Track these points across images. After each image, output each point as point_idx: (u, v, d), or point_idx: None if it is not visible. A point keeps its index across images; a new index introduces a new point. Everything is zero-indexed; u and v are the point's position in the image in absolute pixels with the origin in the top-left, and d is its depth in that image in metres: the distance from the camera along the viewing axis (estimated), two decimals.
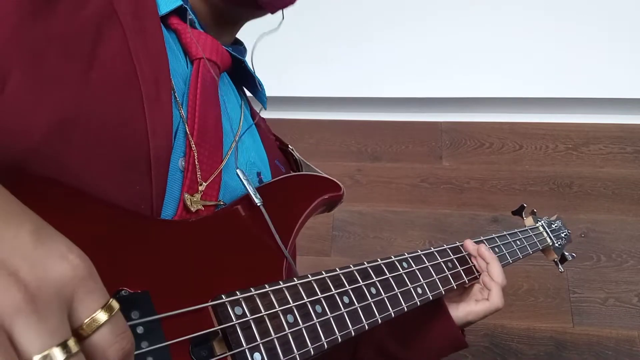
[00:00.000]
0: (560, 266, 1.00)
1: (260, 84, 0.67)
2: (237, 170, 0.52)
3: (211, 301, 0.40)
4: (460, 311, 0.69)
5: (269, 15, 0.65)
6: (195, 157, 0.48)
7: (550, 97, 1.78)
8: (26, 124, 0.37)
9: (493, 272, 0.70)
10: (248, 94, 0.70)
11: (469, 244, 0.73)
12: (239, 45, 0.67)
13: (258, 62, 0.67)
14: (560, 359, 1.46)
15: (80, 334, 0.27)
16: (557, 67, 1.79)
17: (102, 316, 0.28)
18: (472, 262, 0.72)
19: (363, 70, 1.92)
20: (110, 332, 0.28)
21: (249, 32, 0.69)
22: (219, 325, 0.39)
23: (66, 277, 0.27)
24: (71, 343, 0.26)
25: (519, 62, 1.82)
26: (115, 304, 0.29)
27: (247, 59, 0.66)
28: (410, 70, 1.89)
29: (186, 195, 0.46)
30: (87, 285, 0.28)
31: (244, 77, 0.66)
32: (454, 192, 1.77)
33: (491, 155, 1.81)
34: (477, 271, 0.72)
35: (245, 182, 0.51)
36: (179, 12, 0.55)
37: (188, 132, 0.48)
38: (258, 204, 0.51)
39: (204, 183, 0.48)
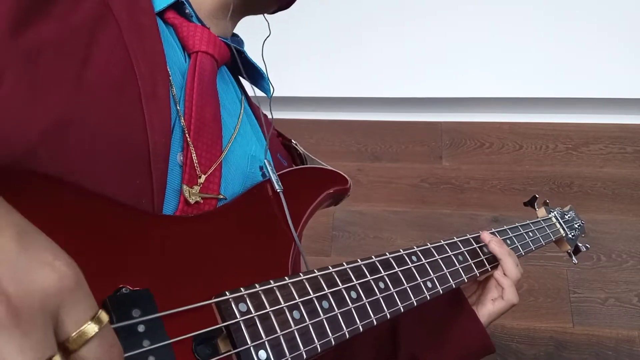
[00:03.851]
0: (573, 257, 0.97)
1: (264, 73, 0.66)
2: (265, 161, 0.54)
3: (214, 298, 0.39)
4: (481, 315, 0.69)
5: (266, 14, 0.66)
6: (193, 152, 0.48)
7: (550, 97, 1.78)
8: (22, 126, 0.36)
9: (505, 268, 0.69)
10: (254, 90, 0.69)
11: (486, 235, 0.71)
12: (236, 37, 0.67)
13: (258, 62, 0.67)
14: (560, 359, 1.46)
15: (67, 348, 0.26)
16: (557, 67, 1.79)
17: (90, 329, 0.27)
18: (483, 255, 0.70)
19: (363, 70, 1.92)
20: (99, 346, 0.27)
21: (247, 27, 0.69)
22: (223, 322, 0.39)
23: (52, 287, 0.25)
24: (57, 359, 0.25)
25: (519, 62, 1.82)
26: (104, 316, 0.28)
27: (255, 51, 0.66)
28: (410, 70, 1.89)
29: (184, 187, 0.46)
30: (74, 296, 0.26)
31: (245, 69, 0.66)
32: (454, 192, 1.77)
33: (491, 155, 1.81)
34: (489, 263, 0.70)
35: (270, 171, 0.53)
36: (176, 6, 0.55)
37: (185, 127, 0.48)
38: (278, 190, 0.52)
39: (203, 175, 0.48)
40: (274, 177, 0.53)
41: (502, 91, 1.82)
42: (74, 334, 0.26)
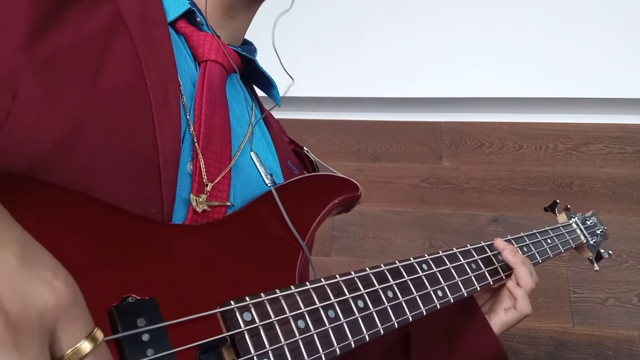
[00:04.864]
0: (595, 264, 0.96)
1: (273, 82, 0.67)
2: (251, 153, 0.55)
3: (219, 307, 0.40)
4: (493, 324, 0.68)
5: (280, 7, 0.65)
6: (202, 161, 0.48)
7: (550, 97, 1.78)
8: (37, 132, 0.37)
9: (519, 277, 0.69)
10: (261, 94, 0.69)
11: (499, 242, 0.71)
12: (248, 45, 0.68)
13: (267, 63, 0.67)
14: (560, 359, 1.46)
15: None
16: (557, 67, 1.79)
17: (85, 347, 0.27)
18: (497, 263, 0.70)
19: (363, 70, 1.91)
20: None
21: (261, 23, 0.69)
22: (227, 331, 0.39)
23: (49, 304, 0.26)
24: None
25: (519, 62, 1.82)
26: (99, 334, 0.28)
27: (261, 54, 0.66)
28: (410, 70, 1.89)
29: (192, 196, 0.46)
30: (71, 314, 0.27)
31: (255, 77, 0.66)
32: (454, 192, 1.77)
33: (491, 155, 1.81)
34: (504, 272, 0.69)
35: (257, 164, 0.54)
36: (187, 15, 0.55)
37: (194, 136, 0.48)
38: (268, 184, 0.52)
39: (209, 184, 0.48)
40: (261, 170, 0.54)
41: (502, 91, 1.81)
42: (69, 351, 0.26)
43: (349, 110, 1.97)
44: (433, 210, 1.75)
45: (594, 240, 0.95)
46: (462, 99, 1.85)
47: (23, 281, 0.25)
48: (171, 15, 0.53)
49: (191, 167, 0.48)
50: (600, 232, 0.98)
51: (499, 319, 0.68)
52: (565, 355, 1.46)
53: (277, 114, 0.75)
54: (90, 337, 0.27)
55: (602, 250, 0.96)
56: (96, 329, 0.28)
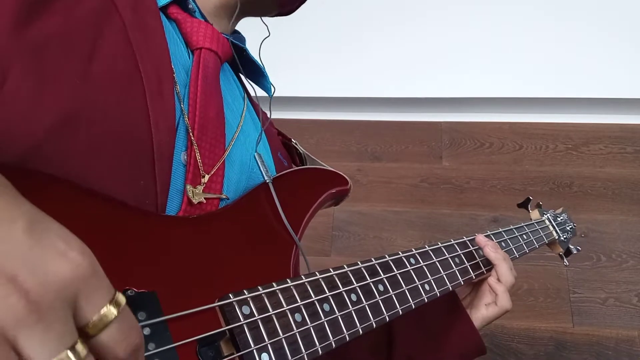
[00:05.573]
0: (565, 259, 0.98)
1: (264, 71, 0.66)
2: (255, 154, 0.55)
3: (218, 301, 0.40)
4: (474, 319, 0.69)
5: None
6: (197, 151, 0.47)
7: (550, 97, 1.79)
8: (28, 121, 0.36)
9: (500, 273, 0.69)
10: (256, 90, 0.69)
11: (481, 238, 0.72)
12: (237, 34, 0.67)
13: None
14: (560, 359, 1.46)
15: (87, 333, 0.26)
16: (557, 67, 1.79)
17: (110, 312, 0.27)
18: (479, 258, 0.71)
19: (363, 70, 1.92)
20: (119, 329, 0.27)
21: (247, 27, 0.70)
22: (227, 325, 0.39)
23: (67, 277, 0.25)
24: (79, 347, 0.25)
25: (519, 62, 1.82)
26: (121, 298, 0.28)
27: (254, 51, 0.66)
28: (410, 70, 1.89)
29: (188, 187, 0.46)
30: (91, 283, 0.26)
31: (246, 66, 0.66)
32: (454, 192, 1.77)
33: (491, 155, 1.81)
34: (484, 266, 0.71)
35: (259, 163, 0.54)
36: (179, 1, 0.54)
37: (189, 126, 0.47)
38: (267, 181, 0.52)
39: (206, 175, 0.48)
40: (262, 169, 0.54)
41: (502, 91, 1.82)
42: (95, 317, 0.26)
43: (349, 110, 1.97)
44: (433, 210, 1.75)
45: (564, 236, 0.97)
46: (462, 99, 1.85)
47: (37, 257, 0.24)
48: (162, 0, 0.52)
49: (185, 157, 0.47)
50: (570, 228, 1.00)
51: (480, 314, 0.69)
52: (565, 355, 1.46)
53: (278, 113, 0.75)
54: (114, 302, 0.27)
55: (571, 246, 0.98)
56: (117, 293, 0.28)
